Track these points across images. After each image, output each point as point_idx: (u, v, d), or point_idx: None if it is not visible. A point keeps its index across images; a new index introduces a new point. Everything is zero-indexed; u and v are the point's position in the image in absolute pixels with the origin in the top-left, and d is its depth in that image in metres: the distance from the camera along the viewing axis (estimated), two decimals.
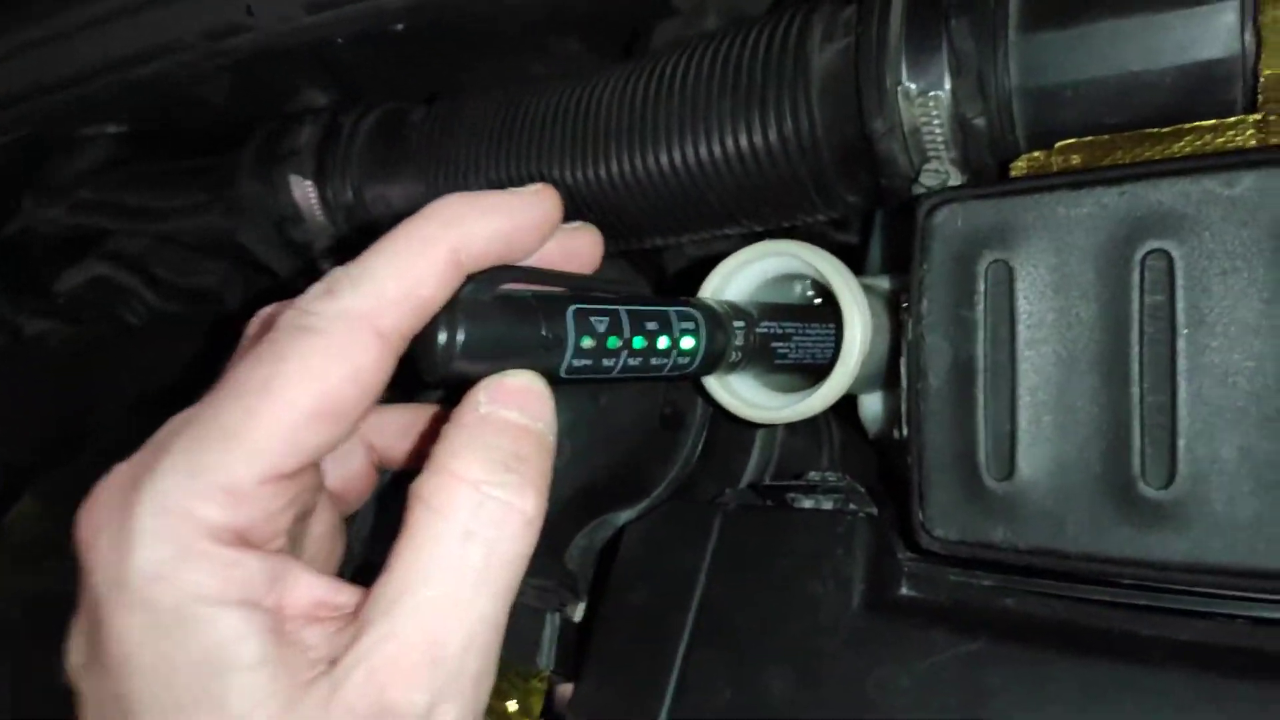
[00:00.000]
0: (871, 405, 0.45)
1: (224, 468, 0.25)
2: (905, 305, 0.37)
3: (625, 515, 0.45)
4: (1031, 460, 0.33)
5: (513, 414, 0.27)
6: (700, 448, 0.44)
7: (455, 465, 0.26)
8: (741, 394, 0.40)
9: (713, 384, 0.40)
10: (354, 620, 0.26)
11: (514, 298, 0.28)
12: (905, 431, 0.36)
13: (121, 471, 0.26)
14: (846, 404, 0.49)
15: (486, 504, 0.26)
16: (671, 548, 0.40)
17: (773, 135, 0.44)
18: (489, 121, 0.53)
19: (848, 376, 0.37)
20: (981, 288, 0.35)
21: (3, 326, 0.71)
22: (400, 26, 0.45)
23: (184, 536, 0.25)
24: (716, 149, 0.45)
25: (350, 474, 0.35)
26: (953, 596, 0.37)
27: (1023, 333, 0.34)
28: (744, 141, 0.44)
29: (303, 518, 0.31)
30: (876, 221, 0.51)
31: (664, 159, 0.46)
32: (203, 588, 0.25)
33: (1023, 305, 0.34)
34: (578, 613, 0.42)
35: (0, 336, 0.70)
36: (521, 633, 0.40)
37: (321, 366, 0.25)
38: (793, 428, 0.47)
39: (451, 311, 0.26)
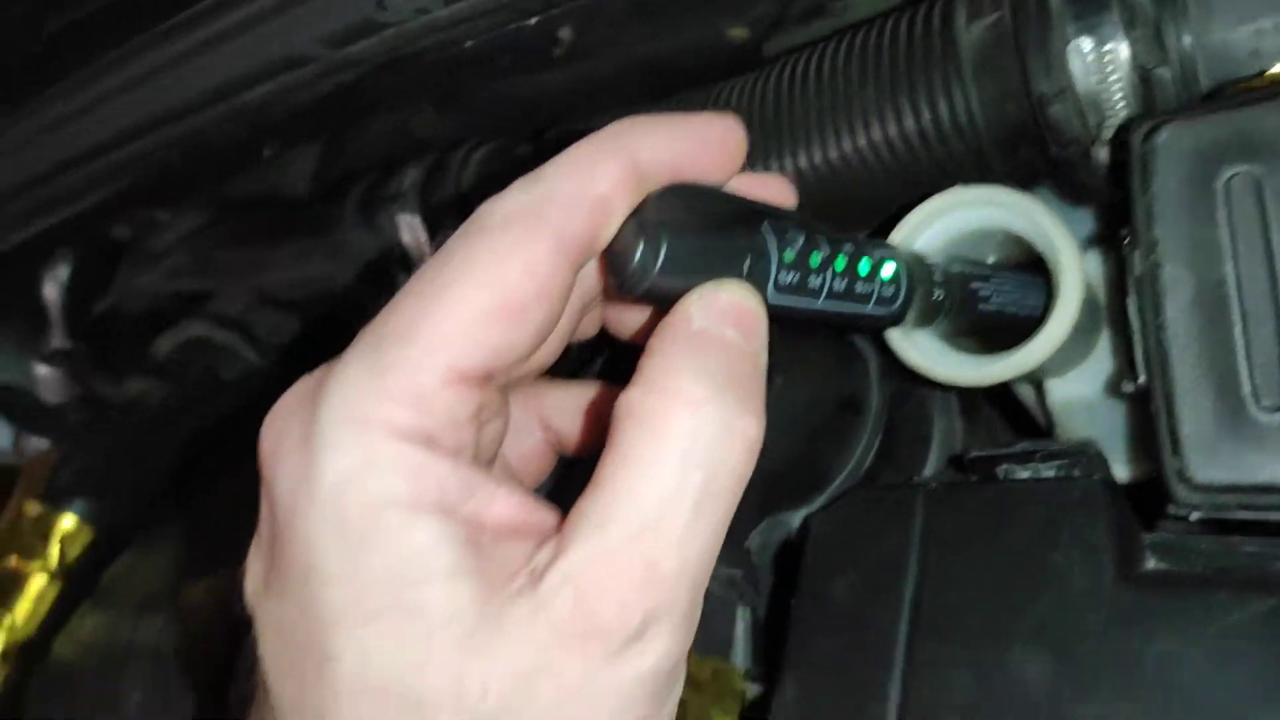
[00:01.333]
0: (1062, 390, 0.41)
1: (405, 366, 0.24)
2: (1126, 240, 0.33)
3: (800, 514, 0.41)
4: None
5: (729, 332, 0.25)
6: (880, 436, 0.41)
7: (672, 383, 0.24)
8: (938, 355, 0.37)
9: (903, 343, 0.37)
10: (556, 537, 0.24)
11: (709, 208, 0.26)
12: (1140, 380, 0.32)
13: (304, 382, 0.25)
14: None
15: (707, 426, 0.24)
16: (870, 535, 0.36)
17: (925, 119, 0.42)
18: None
19: (1072, 312, 0.34)
20: (1223, 205, 0.32)
21: (100, 391, 0.69)
22: (533, 21, 0.44)
23: (371, 441, 0.23)
24: (863, 140, 0.43)
25: (527, 452, 0.33)
26: (1211, 564, 0.32)
27: None
28: (893, 129, 0.42)
29: (490, 445, 0.29)
30: None
31: (807, 157, 0.45)
32: (394, 493, 0.23)
33: (1276, 215, 0.31)
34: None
35: (97, 400, 0.68)
36: (711, 623, 0.36)
37: (495, 262, 0.24)
38: (972, 416, 0.43)
39: (647, 220, 0.25)
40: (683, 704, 0.26)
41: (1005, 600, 0.33)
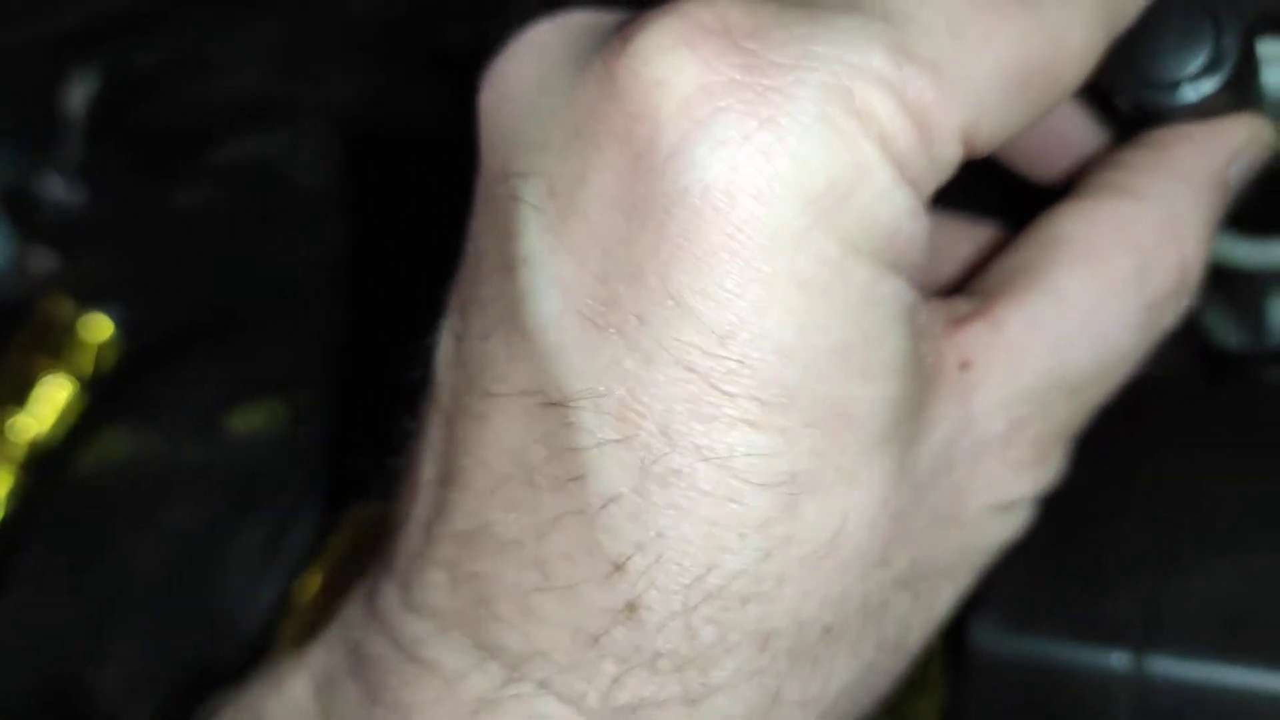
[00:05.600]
0: None
1: (927, 90, 0.18)
2: None
3: None
4: None
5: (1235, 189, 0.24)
6: None
7: (1176, 214, 0.22)
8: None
9: None
10: (989, 311, 0.21)
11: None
12: None
13: (757, 7, 0.18)
14: None
15: (1181, 289, 0.23)
16: (1110, 431, 0.33)
17: None
18: None
19: None
20: None
21: (136, 204, 0.63)
22: None
23: (869, 150, 0.18)
24: None
25: None
26: None
27: None
28: None
29: None
30: None
31: None
32: (877, 235, 0.18)
33: None
34: None
35: (131, 213, 0.62)
36: None
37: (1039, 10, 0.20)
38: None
39: (1219, 22, 0.22)
40: None
41: (1270, 503, 0.30)
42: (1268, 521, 0.29)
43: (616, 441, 0.18)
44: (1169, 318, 0.23)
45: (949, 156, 0.19)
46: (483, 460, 0.19)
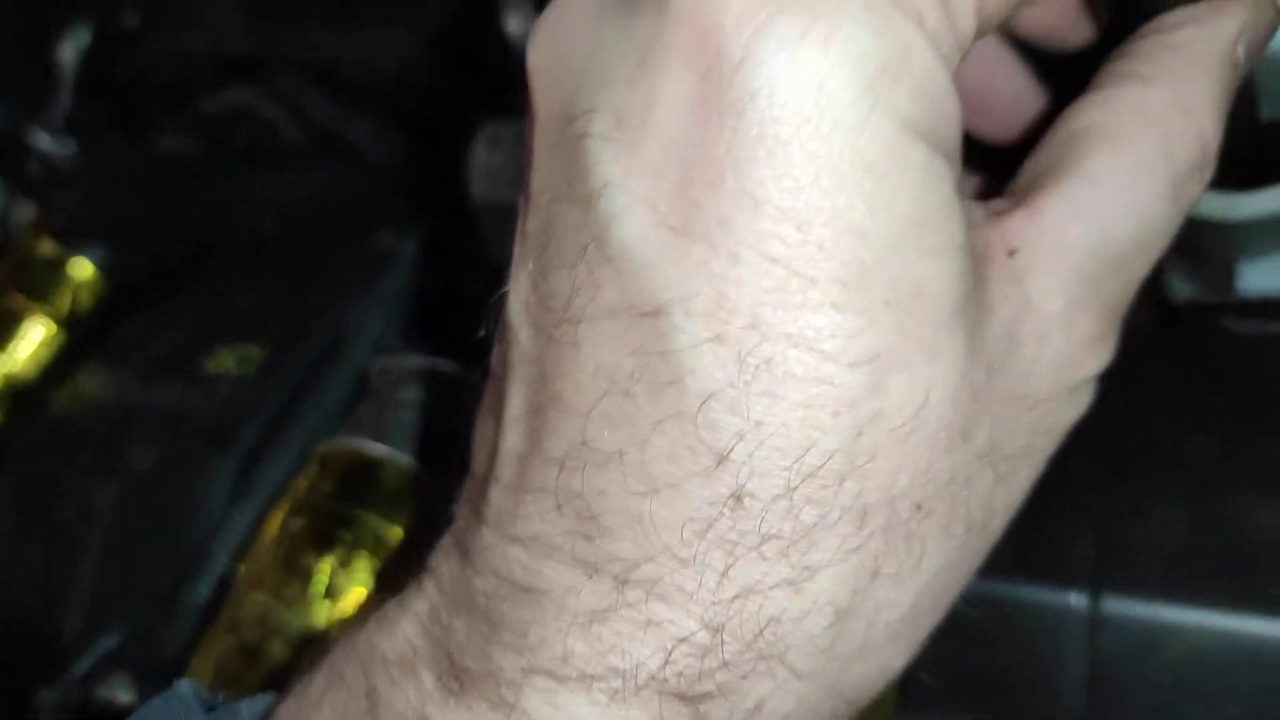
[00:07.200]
0: (1261, 276, 0.38)
1: None
2: None
3: None
4: None
5: (1244, 67, 0.24)
6: None
7: (1191, 102, 0.23)
8: None
9: None
10: (1028, 201, 0.22)
11: None
12: None
13: None
14: None
15: (1203, 163, 0.23)
16: None
17: None
18: None
19: None
20: None
21: (120, 154, 0.63)
22: None
23: (913, 39, 0.19)
24: None
25: None
26: None
27: None
28: None
29: None
30: None
31: None
32: (928, 121, 0.19)
33: None
34: None
35: (117, 163, 0.62)
36: None
37: None
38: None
39: None
40: None
41: (1226, 447, 0.30)
42: (1221, 465, 0.29)
43: (710, 340, 0.19)
44: (1195, 189, 0.23)
45: (967, 30, 0.20)
46: (576, 383, 0.20)
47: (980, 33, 0.20)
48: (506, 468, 0.21)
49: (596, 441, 0.20)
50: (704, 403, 0.19)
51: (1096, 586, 0.29)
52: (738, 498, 0.19)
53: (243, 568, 0.38)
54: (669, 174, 0.19)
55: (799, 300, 0.18)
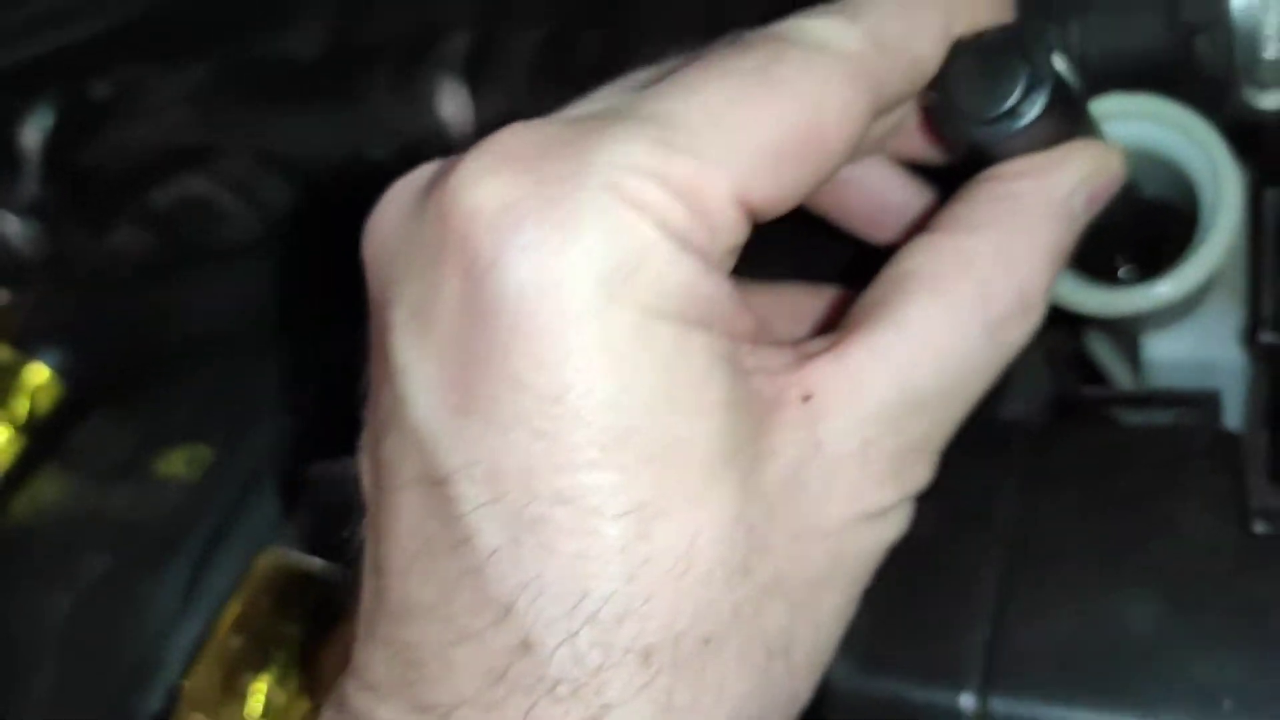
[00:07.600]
0: (1163, 347, 0.38)
1: (693, 163, 0.21)
2: None
3: None
4: None
5: (1080, 210, 0.25)
6: None
7: (1020, 249, 0.24)
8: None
9: None
10: (837, 345, 0.24)
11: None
12: None
13: (528, 133, 0.22)
14: None
15: (1023, 311, 0.24)
16: (958, 472, 0.34)
17: None
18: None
19: (1232, 231, 0.30)
20: None
21: (74, 246, 0.64)
22: None
23: (645, 232, 0.21)
24: None
25: None
26: None
27: None
28: None
29: None
30: None
31: None
32: (670, 302, 0.21)
33: None
34: None
35: (70, 256, 0.63)
36: None
37: (811, 90, 0.22)
38: (1053, 356, 0.41)
39: (1037, 58, 0.24)
40: None
41: (1114, 545, 0.31)
42: (1107, 562, 0.30)
43: (489, 503, 0.21)
44: (1015, 335, 0.25)
45: (729, 223, 0.22)
46: (397, 544, 0.22)
47: (760, 217, 0.22)
48: (362, 622, 0.24)
49: (417, 595, 0.22)
50: (489, 557, 0.21)
51: (986, 687, 0.30)
52: (526, 644, 0.21)
53: (186, 685, 0.39)
54: (450, 359, 0.21)
55: (563, 462, 0.21)
